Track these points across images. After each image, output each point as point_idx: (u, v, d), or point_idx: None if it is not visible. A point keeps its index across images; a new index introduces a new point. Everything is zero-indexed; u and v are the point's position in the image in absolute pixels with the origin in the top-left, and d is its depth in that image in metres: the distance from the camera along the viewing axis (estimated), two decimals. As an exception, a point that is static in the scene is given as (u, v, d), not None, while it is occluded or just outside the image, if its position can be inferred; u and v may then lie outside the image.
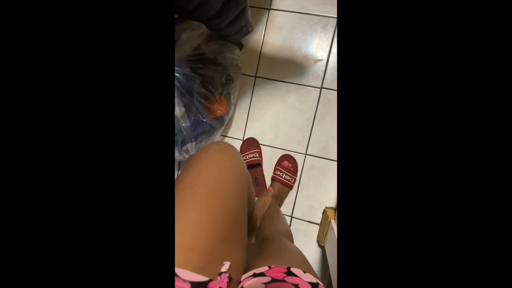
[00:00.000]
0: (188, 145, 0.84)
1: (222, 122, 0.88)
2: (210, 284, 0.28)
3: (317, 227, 0.94)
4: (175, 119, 0.76)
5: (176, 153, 0.84)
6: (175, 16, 0.64)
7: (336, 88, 0.92)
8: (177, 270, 0.27)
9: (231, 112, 0.89)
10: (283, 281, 0.32)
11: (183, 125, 0.79)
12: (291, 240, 0.69)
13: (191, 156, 0.82)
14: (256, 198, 0.86)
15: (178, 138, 0.80)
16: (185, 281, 0.27)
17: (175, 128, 0.78)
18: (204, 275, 0.29)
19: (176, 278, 0.27)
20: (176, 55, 0.74)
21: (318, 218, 0.94)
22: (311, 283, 0.32)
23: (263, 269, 0.34)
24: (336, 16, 0.91)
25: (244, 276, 0.34)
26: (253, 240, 0.70)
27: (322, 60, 0.93)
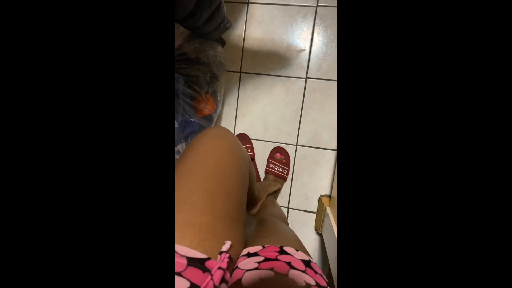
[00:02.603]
0: (179, 146, 0.84)
1: (211, 120, 0.89)
2: (208, 263, 0.28)
3: (314, 215, 0.95)
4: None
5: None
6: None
7: (321, 77, 0.92)
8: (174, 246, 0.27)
9: (219, 109, 0.89)
10: (276, 259, 0.32)
11: (171, 126, 0.79)
12: (286, 223, 0.70)
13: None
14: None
15: (168, 140, 0.81)
16: (181, 256, 0.27)
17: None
18: (203, 251, 0.28)
19: None
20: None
21: (314, 207, 0.95)
22: (303, 260, 0.33)
23: (257, 248, 0.35)
24: (315, 5, 0.91)
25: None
26: (255, 210, 0.72)
27: (304, 50, 0.93)
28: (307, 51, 0.93)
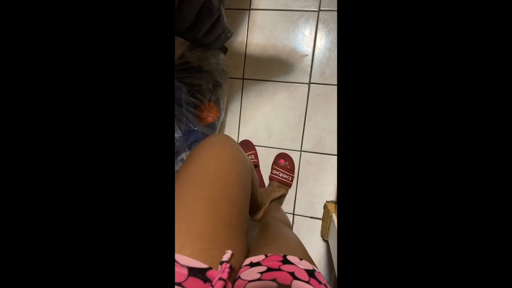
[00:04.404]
0: (183, 155, 0.84)
1: (214, 128, 0.89)
2: (209, 273, 0.28)
3: (320, 222, 0.94)
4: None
5: (171, 164, 0.85)
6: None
7: (324, 82, 0.92)
8: (175, 255, 0.27)
9: (222, 117, 0.89)
10: (279, 269, 0.32)
11: (175, 135, 0.79)
12: (289, 227, 0.70)
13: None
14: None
15: (171, 149, 0.81)
16: (182, 266, 0.27)
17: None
18: (203, 260, 0.28)
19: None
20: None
21: (320, 213, 0.94)
22: (307, 270, 0.32)
23: (260, 258, 0.34)
24: (317, 10, 0.91)
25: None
26: (258, 216, 0.72)
27: (307, 55, 0.92)
28: (310, 56, 0.92)
